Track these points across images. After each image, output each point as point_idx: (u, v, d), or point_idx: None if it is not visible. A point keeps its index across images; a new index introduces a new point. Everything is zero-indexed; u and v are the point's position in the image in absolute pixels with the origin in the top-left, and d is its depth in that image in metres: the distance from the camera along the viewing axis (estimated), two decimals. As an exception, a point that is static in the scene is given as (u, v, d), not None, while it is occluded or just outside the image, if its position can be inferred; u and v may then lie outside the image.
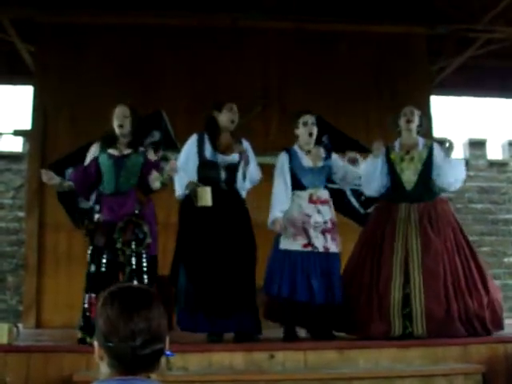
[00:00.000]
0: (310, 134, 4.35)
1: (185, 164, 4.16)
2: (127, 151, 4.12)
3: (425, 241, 4.24)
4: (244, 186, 4.32)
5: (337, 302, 4.15)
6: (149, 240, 3.93)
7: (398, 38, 7.29)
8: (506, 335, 4.18)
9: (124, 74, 6.80)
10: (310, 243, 4.16)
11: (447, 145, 4.42)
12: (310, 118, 4.36)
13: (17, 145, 8.96)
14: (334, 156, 4.47)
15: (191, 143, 4.26)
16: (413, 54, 7.34)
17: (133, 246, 3.89)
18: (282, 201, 4.24)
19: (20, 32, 6.90)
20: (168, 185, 4.09)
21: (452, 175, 4.44)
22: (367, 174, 4.51)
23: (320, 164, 4.36)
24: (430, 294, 4.10)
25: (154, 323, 1.45)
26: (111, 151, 4.13)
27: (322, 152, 4.42)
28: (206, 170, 4.16)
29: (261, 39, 7.02)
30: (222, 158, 4.18)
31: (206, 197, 3.95)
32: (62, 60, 6.92)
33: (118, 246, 3.88)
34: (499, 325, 4.22)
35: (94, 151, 4.19)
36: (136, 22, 6.89)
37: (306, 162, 4.34)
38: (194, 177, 4.13)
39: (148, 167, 4.07)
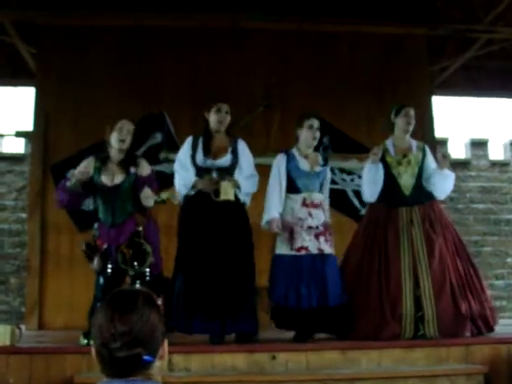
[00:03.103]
0: (314, 138, 4.33)
1: (185, 165, 4.15)
2: (119, 178, 4.02)
3: (429, 244, 4.25)
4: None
5: (332, 305, 4.05)
6: (151, 259, 3.91)
7: (399, 38, 7.28)
8: (509, 336, 4.18)
9: (125, 75, 6.80)
10: (303, 247, 4.13)
11: (443, 156, 4.38)
12: (315, 122, 4.32)
13: (19, 146, 8.91)
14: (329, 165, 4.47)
15: (187, 145, 4.22)
16: (414, 55, 7.33)
17: (135, 266, 3.88)
18: (276, 202, 4.20)
19: (21, 34, 6.91)
20: (165, 202, 4.01)
21: (441, 187, 4.42)
22: (370, 179, 4.43)
23: (317, 169, 4.32)
24: (439, 297, 4.12)
25: (136, 327, 1.46)
26: (104, 179, 4.03)
27: (320, 158, 4.39)
28: (200, 177, 4.11)
29: (262, 40, 7.01)
30: (212, 163, 4.11)
31: (228, 191, 4.00)
32: (63, 61, 6.92)
33: (122, 266, 3.89)
34: (495, 321, 4.29)
35: (85, 165, 4.04)
36: (137, 24, 6.88)
37: (304, 165, 4.30)
38: (193, 177, 4.10)
39: (139, 184, 3.99)
